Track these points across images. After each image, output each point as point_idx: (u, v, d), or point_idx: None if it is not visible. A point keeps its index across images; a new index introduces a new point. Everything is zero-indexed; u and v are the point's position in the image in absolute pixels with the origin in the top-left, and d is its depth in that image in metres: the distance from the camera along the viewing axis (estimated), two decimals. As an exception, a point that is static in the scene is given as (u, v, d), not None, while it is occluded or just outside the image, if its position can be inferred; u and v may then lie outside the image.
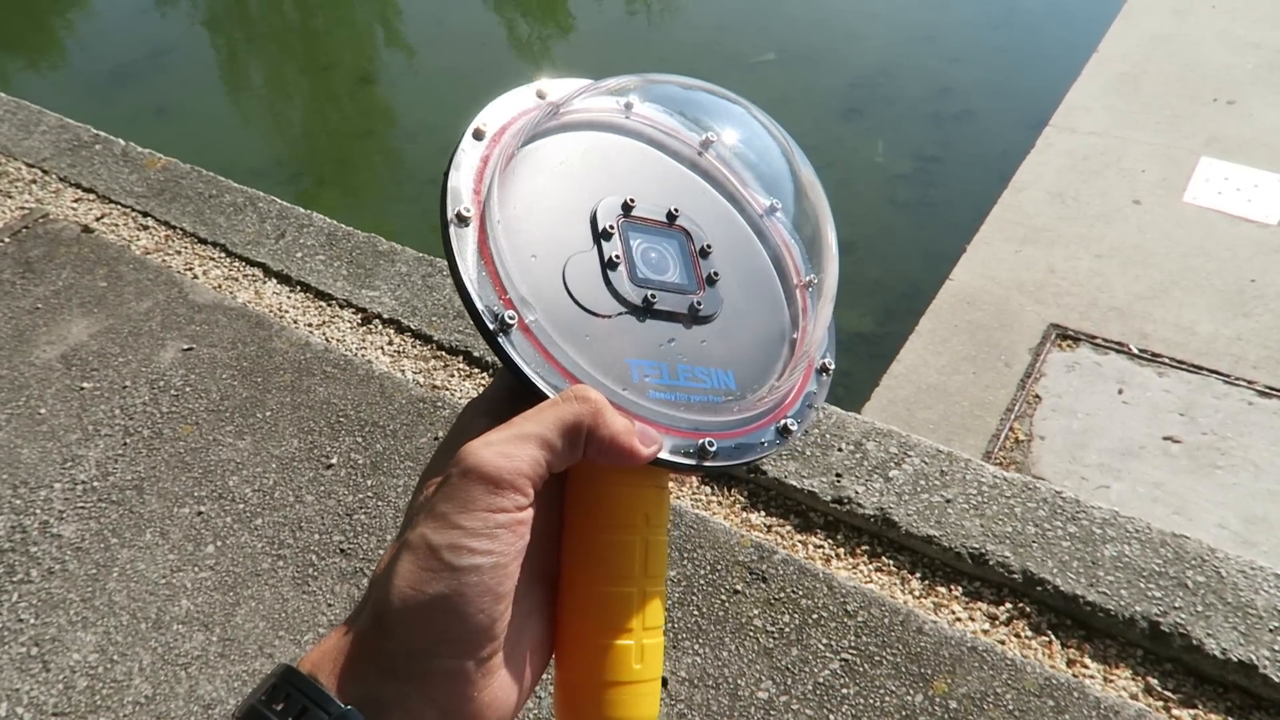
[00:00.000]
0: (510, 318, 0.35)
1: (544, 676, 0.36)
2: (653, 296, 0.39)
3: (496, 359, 0.36)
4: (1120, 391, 1.91)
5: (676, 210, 0.42)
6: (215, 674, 1.25)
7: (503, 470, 0.31)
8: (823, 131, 3.30)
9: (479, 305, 0.35)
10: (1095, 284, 2.19)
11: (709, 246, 0.42)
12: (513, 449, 0.32)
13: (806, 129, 3.30)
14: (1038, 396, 1.91)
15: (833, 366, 0.44)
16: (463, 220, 0.36)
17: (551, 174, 0.41)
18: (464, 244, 0.36)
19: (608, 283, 0.38)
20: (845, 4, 4.16)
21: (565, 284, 0.37)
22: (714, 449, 0.37)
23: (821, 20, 4.03)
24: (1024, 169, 2.60)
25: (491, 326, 0.34)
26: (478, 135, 0.39)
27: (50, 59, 4.43)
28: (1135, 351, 2.00)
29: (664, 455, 0.35)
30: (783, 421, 0.40)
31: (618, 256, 0.39)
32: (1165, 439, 1.80)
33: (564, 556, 0.36)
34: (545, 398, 0.34)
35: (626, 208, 0.41)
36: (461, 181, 0.37)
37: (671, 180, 0.45)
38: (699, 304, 0.40)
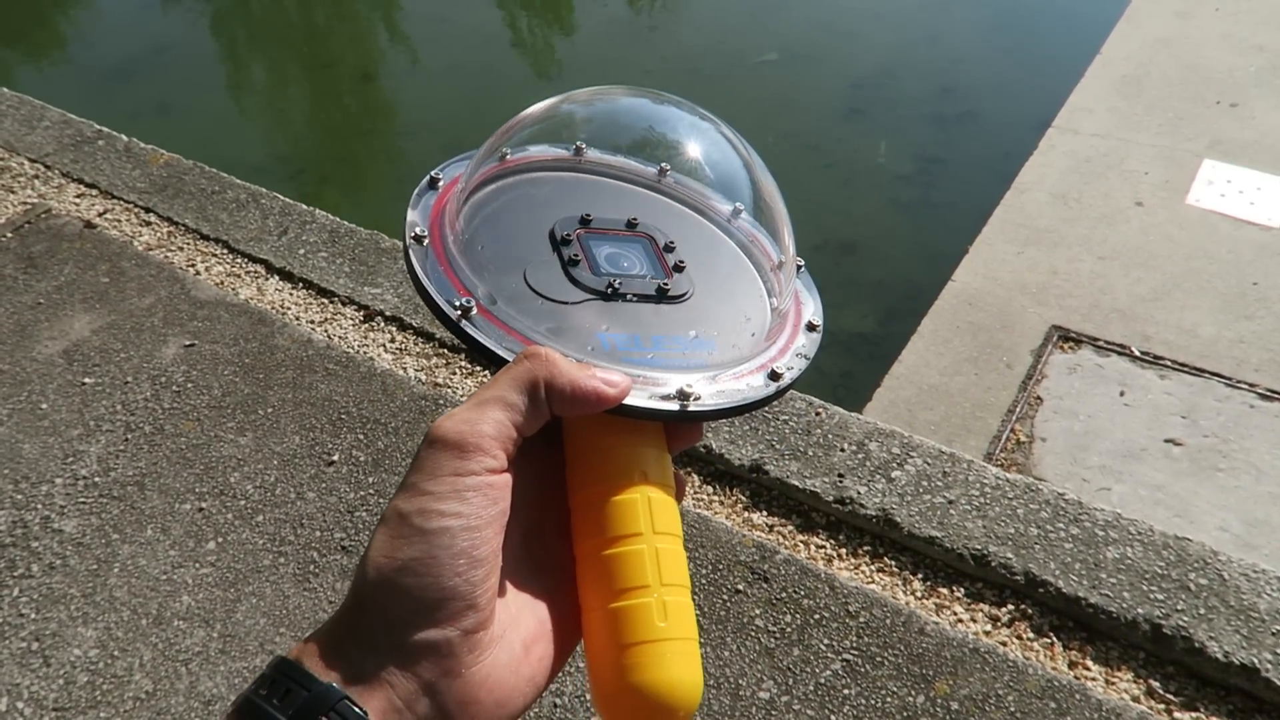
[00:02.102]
0: (468, 303, 0.36)
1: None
2: (618, 283, 0.39)
3: (464, 346, 0.36)
4: (1122, 393, 1.90)
5: (636, 219, 0.43)
6: (216, 670, 1.25)
7: (465, 435, 0.32)
8: (825, 132, 3.29)
9: (438, 299, 0.36)
10: (1097, 286, 2.19)
11: (673, 243, 0.42)
12: (473, 415, 0.32)
13: (808, 129, 3.30)
14: (1039, 398, 1.91)
15: (820, 324, 0.44)
16: (419, 240, 0.38)
17: (507, 203, 0.42)
18: (423, 257, 0.38)
19: (570, 277, 0.39)
20: (848, 4, 4.16)
21: (526, 281, 0.38)
22: (697, 395, 0.36)
23: (824, 20, 4.03)
24: (1026, 170, 2.60)
25: (454, 315, 0.35)
26: (433, 184, 0.42)
27: (53, 55, 4.43)
28: (1137, 354, 2.00)
29: (643, 403, 0.35)
30: (772, 369, 0.40)
31: (577, 255, 0.39)
32: (1167, 441, 1.79)
33: (573, 531, 0.36)
34: None
35: (584, 221, 0.41)
36: (418, 217, 0.40)
37: (628, 199, 0.46)
38: (667, 285, 0.40)
